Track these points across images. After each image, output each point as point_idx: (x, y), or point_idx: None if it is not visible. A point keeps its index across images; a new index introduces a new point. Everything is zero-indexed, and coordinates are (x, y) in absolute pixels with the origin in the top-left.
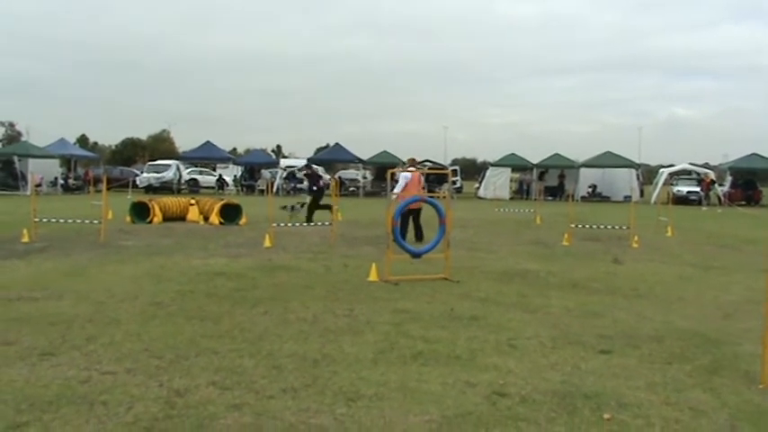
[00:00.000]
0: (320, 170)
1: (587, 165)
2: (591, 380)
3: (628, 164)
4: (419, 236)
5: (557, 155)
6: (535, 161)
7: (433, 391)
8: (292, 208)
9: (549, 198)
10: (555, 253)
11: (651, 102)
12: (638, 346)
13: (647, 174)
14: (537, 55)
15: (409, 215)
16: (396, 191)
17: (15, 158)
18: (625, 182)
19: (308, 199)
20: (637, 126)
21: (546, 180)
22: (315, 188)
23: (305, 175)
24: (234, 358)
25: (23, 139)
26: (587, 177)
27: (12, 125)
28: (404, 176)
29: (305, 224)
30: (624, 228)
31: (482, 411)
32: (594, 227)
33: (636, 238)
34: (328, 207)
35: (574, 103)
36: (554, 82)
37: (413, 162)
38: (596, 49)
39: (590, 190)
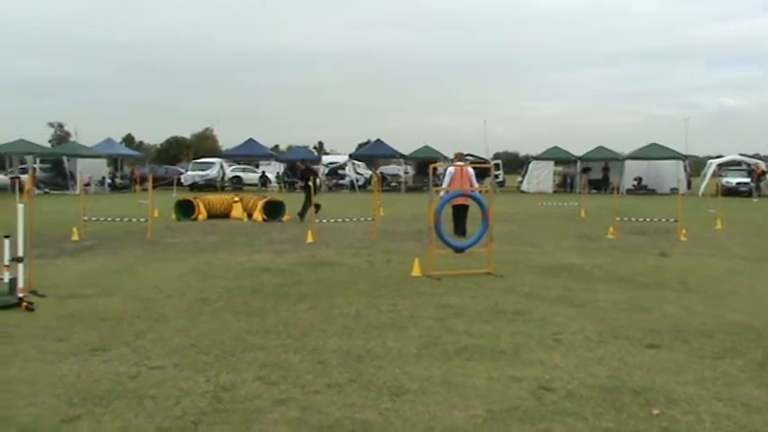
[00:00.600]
0: (362, 166)
1: (632, 157)
2: (639, 375)
3: (674, 155)
4: (460, 231)
5: (600, 147)
6: (578, 154)
7: (478, 385)
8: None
9: (594, 191)
10: (600, 246)
11: (698, 92)
12: (688, 341)
13: (695, 165)
14: (578, 46)
15: (456, 211)
16: (443, 185)
17: (65, 158)
18: (672, 174)
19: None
20: (683, 117)
21: (590, 173)
22: (305, 184)
23: (301, 170)
24: (279, 353)
25: (72, 139)
26: (632, 170)
27: (61, 126)
28: (448, 172)
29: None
30: (671, 220)
31: (528, 406)
32: (641, 220)
33: (684, 230)
34: (317, 206)
35: (617, 95)
36: (596, 73)
37: (460, 156)
38: (639, 38)
39: (635, 182)
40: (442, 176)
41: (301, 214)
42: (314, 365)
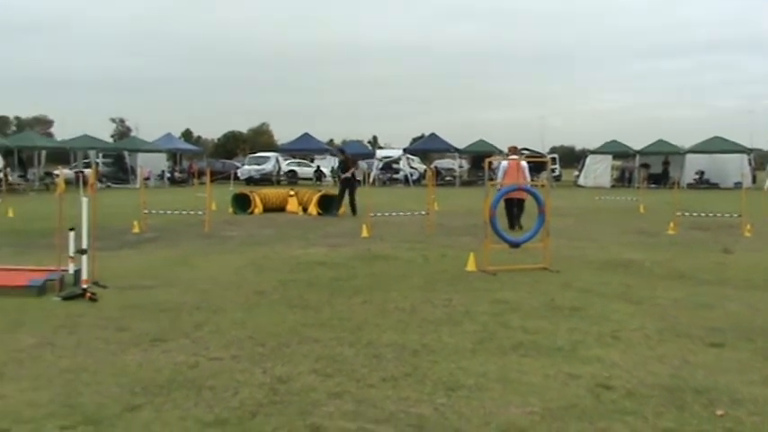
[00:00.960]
0: (416, 160)
1: (694, 151)
2: (701, 374)
3: (738, 149)
4: (514, 225)
5: (661, 141)
6: (637, 148)
7: (535, 382)
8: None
9: (653, 186)
10: (660, 242)
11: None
12: (753, 339)
13: (760, 159)
14: (639, 38)
15: (510, 204)
16: (498, 180)
17: (126, 153)
18: (735, 168)
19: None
20: (748, 110)
21: (650, 167)
22: (346, 175)
23: (339, 160)
24: (334, 347)
25: (133, 134)
26: (694, 164)
27: (122, 121)
28: (501, 166)
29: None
30: (735, 216)
31: (586, 404)
32: (702, 215)
33: (748, 226)
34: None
35: (679, 87)
36: (658, 65)
37: (514, 150)
38: (703, 29)
39: (697, 177)
40: (496, 170)
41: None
42: (369, 359)
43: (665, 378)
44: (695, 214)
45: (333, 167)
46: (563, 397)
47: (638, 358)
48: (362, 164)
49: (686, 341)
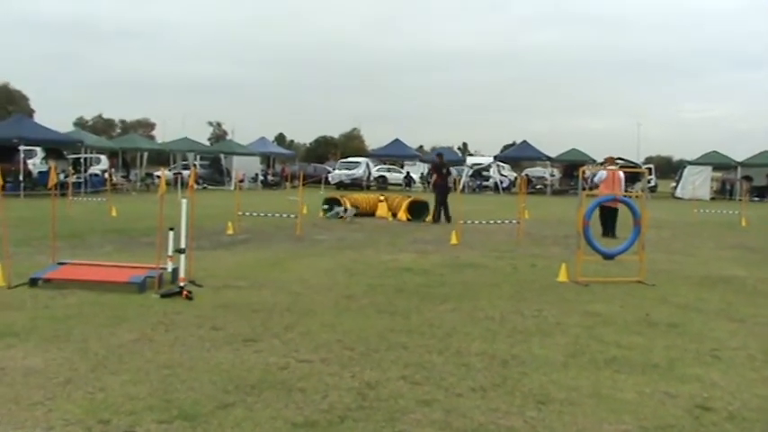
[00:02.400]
0: (506, 168)
1: None
2: None
3: None
4: (608, 233)
5: (765, 152)
6: (739, 159)
7: (629, 399)
8: (339, 213)
9: (756, 199)
10: (764, 258)
11: None
12: None
13: None
14: (741, 45)
15: (605, 212)
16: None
17: (222, 156)
18: None
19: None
20: None
21: (752, 180)
22: (439, 184)
23: (435, 164)
24: (423, 354)
25: (228, 137)
26: None
27: (219, 125)
28: (599, 175)
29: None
30: None
31: (684, 425)
32: None
33: None
34: (445, 214)
35: None
36: (760, 74)
37: (611, 160)
38: None
39: None
40: (590, 180)
41: (446, 217)
42: (458, 368)
43: None
44: None
45: (422, 174)
46: (659, 416)
47: (740, 379)
48: (453, 170)
49: None
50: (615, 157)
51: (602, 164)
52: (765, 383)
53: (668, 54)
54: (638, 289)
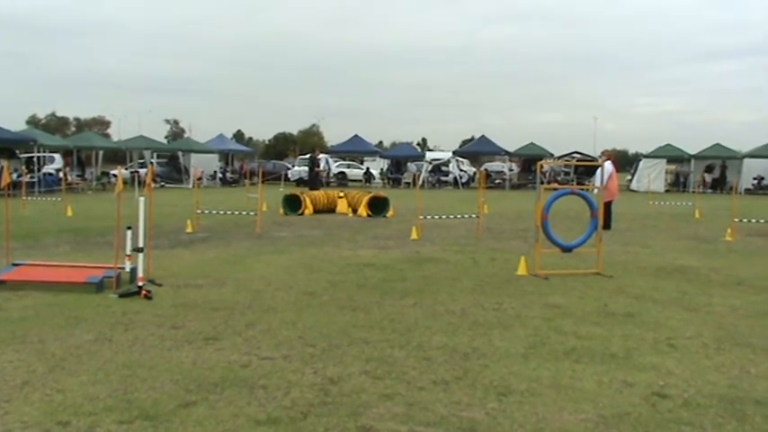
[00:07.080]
0: (466, 163)
1: (753, 155)
2: (763, 385)
3: None
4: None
5: (717, 145)
6: (692, 152)
7: (588, 389)
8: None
9: (709, 191)
10: (717, 249)
11: None
12: None
13: None
14: (694, 39)
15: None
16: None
17: (180, 154)
18: None
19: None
20: None
21: (714, 172)
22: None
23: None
24: (384, 348)
25: (186, 135)
26: (752, 169)
27: (176, 122)
28: (607, 170)
29: None
30: None
31: (641, 413)
32: (762, 221)
33: None
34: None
35: (736, 90)
36: (713, 67)
37: (609, 155)
38: (760, 30)
39: (755, 182)
40: (548, 174)
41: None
42: (419, 361)
43: (724, 388)
44: (754, 221)
45: (382, 169)
46: (617, 404)
47: (695, 367)
48: (411, 166)
49: (746, 350)
50: (564, 151)
51: (601, 159)
52: (719, 371)
53: (623, 48)
54: (596, 280)
